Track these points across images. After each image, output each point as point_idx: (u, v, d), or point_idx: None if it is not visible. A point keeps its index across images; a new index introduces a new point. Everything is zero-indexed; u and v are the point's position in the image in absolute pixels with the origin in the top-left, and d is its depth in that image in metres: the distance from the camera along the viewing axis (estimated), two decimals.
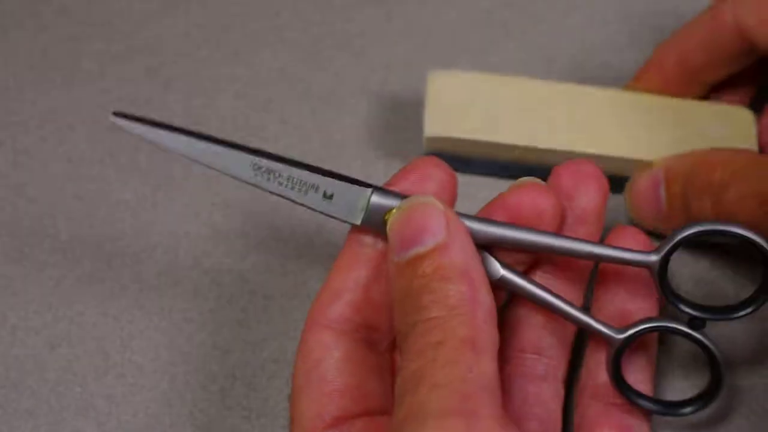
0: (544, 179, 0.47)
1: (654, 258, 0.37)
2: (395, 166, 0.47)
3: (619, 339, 0.38)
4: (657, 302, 0.40)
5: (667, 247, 0.37)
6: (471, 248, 0.35)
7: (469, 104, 0.45)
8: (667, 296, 0.38)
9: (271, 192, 0.37)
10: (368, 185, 0.37)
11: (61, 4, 0.51)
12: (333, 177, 0.37)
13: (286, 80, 0.49)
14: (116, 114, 0.37)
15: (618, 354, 0.38)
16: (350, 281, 0.37)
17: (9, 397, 0.43)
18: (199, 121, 0.48)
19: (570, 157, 0.45)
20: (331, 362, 0.36)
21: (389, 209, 0.36)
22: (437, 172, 0.38)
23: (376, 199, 0.37)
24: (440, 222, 0.35)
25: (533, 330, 0.40)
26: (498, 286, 0.37)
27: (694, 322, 0.38)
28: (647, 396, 0.39)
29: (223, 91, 0.49)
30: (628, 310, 0.40)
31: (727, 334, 0.44)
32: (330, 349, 0.37)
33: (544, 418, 0.39)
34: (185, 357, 0.44)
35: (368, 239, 0.38)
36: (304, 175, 0.37)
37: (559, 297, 0.38)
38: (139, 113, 0.48)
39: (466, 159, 0.46)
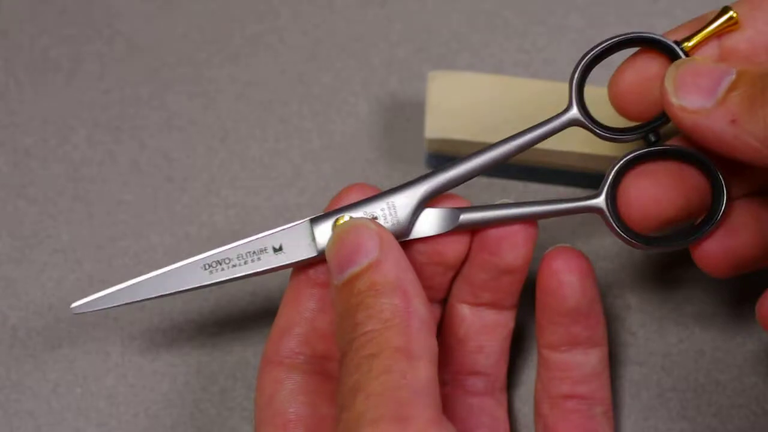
0: (544, 179, 0.47)
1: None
2: (395, 167, 0.47)
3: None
4: (603, 324, 0.40)
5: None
6: (404, 263, 0.35)
7: (470, 105, 0.45)
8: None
9: (233, 278, 0.38)
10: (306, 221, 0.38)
11: (61, 4, 0.51)
12: (272, 232, 0.38)
13: (286, 80, 0.49)
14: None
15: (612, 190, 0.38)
16: (297, 316, 0.38)
17: (9, 397, 0.43)
18: (199, 122, 0.48)
19: (570, 157, 0.45)
20: (284, 395, 0.37)
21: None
22: (366, 196, 0.38)
23: (318, 225, 0.37)
24: (373, 241, 0.35)
25: (466, 356, 0.40)
26: (462, 231, 0.38)
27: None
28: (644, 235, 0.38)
29: (223, 92, 0.49)
30: (574, 333, 0.40)
31: (726, 335, 0.44)
32: (281, 383, 0.37)
33: (491, 426, 0.40)
34: (185, 357, 0.44)
35: (311, 273, 0.38)
36: (249, 245, 0.38)
37: (525, 204, 0.38)
38: (138, 115, 0.48)
39: None
